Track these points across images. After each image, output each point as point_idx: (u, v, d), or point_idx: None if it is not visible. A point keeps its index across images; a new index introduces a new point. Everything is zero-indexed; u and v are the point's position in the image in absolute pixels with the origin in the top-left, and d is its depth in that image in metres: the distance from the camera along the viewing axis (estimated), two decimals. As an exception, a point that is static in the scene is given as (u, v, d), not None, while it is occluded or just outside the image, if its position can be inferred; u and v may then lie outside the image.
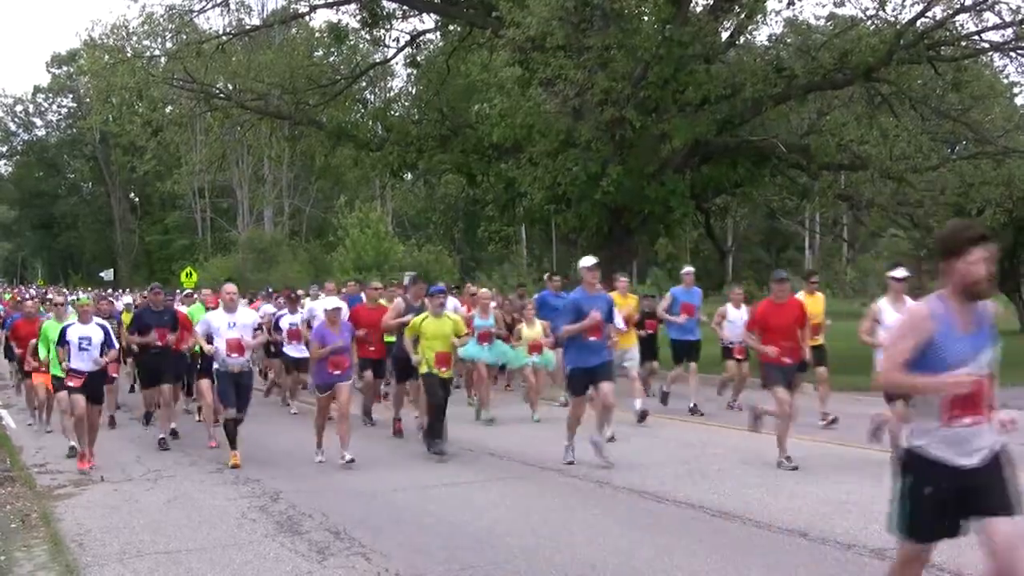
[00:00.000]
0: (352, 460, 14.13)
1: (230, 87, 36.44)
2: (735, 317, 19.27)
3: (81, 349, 14.81)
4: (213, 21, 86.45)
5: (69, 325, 15.07)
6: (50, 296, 26.76)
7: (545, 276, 24.45)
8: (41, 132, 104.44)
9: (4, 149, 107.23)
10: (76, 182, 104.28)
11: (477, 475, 13.39)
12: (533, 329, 19.77)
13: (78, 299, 15.97)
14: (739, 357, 19.62)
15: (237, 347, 14.67)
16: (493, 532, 10.25)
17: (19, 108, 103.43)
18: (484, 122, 33.06)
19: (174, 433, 17.70)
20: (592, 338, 13.64)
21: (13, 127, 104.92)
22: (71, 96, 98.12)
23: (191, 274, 48.95)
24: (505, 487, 12.59)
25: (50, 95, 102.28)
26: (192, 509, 11.79)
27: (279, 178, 75.38)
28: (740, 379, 20.06)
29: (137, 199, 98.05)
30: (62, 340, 14.99)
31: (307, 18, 38.90)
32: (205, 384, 17.09)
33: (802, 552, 9.20)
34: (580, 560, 9.01)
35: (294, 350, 21.06)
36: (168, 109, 37.37)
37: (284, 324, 21.30)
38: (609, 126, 27.75)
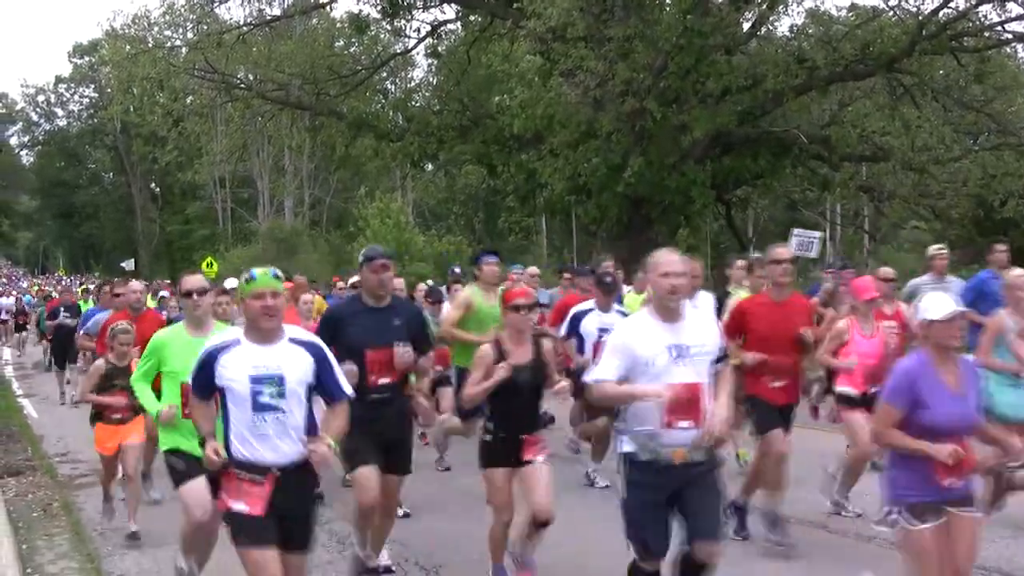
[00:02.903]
0: None
1: (251, 77, 36.52)
2: None
3: (264, 408, 6.07)
4: (234, 11, 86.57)
5: (224, 347, 6.19)
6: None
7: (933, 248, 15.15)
8: (63, 122, 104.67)
9: (26, 139, 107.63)
10: (97, 172, 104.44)
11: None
12: None
13: (251, 279, 6.22)
14: None
15: (688, 405, 6.53)
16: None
17: (41, 98, 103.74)
18: (505, 113, 33.04)
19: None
20: None
21: (35, 117, 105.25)
22: (92, 86, 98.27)
23: (212, 264, 48.99)
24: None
25: (71, 85, 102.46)
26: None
27: (299, 168, 75.37)
28: None
29: (158, 189, 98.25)
30: (205, 384, 6.27)
31: (328, 8, 38.94)
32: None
33: (822, 544, 9.20)
34: (597, 548, 9.00)
35: None
36: (189, 99, 37.48)
37: (590, 329, 11.66)
38: (630, 117, 27.69)
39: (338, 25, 42.06)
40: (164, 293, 20.00)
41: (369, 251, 8.57)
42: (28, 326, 37.51)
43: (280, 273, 6.34)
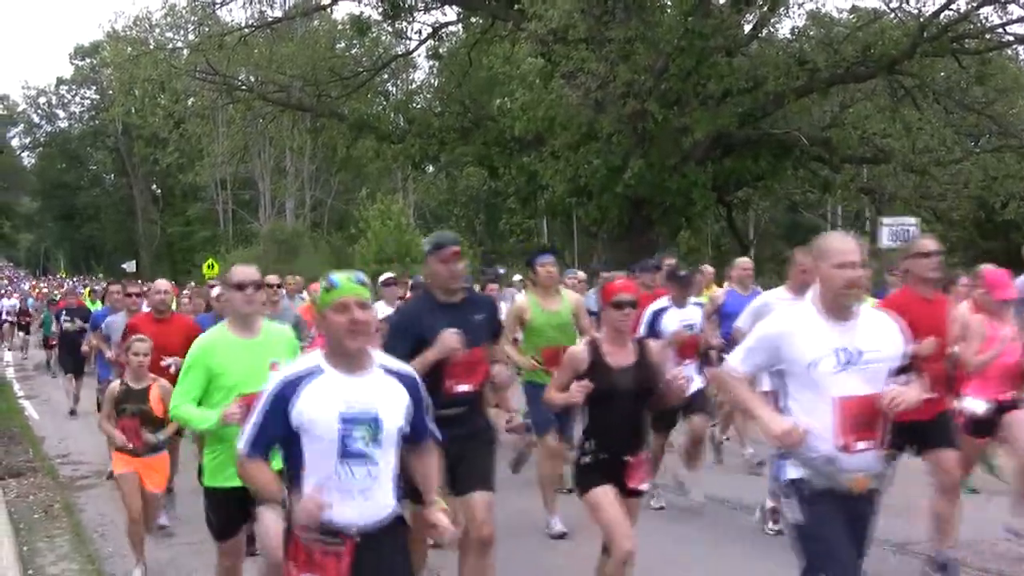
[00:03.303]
0: None
1: (252, 79, 36.54)
2: None
3: (353, 456, 4.70)
4: (235, 13, 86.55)
5: (303, 377, 4.75)
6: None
7: None
8: (64, 124, 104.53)
9: (27, 141, 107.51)
10: (98, 173, 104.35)
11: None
12: None
13: (331, 286, 4.83)
14: None
15: (866, 421, 5.37)
16: (521, 524, 10.21)
17: (42, 100, 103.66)
18: (506, 115, 33.09)
19: None
20: None
21: (36, 119, 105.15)
22: (94, 88, 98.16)
23: (213, 265, 48.95)
24: (529, 480, 12.56)
25: (73, 87, 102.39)
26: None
27: (301, 170, 75.41)
28: None
29: (159, 191, 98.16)
30: (274, 429, 4.75)
31: (329, 10, 38.99)
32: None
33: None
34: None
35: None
36: (190, 101, 37.53)
37: (671, 327, 10.73)
38: (631, 118, 27.70)
39: (339, 27, 42.20)
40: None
41: (438, 238, 7.35)
42: (31, 327, 37.06)
43: (366, 279, 4.98)
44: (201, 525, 9.69)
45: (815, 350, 5.31)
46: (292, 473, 4.78)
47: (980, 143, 34.92)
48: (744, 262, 12.79)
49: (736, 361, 5.65)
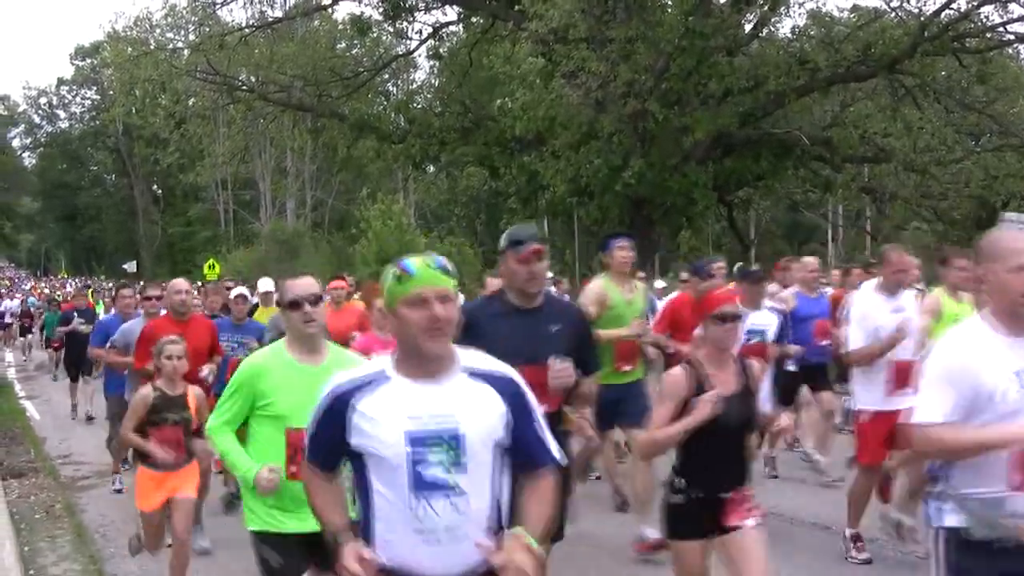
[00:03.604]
0: None
1: (253, 79, 36.54)
2: None
3: (430, 485, 3.64)
4: (236, 13, 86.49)
5: (363, 385, 3.75)
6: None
7: None
8: (64, 124, 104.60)
9: (28, 141, 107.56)
10: (99, 174, 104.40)
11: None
12: None
13: (405, 273, 3.72)
14: None
15: None
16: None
17: (43, 100, 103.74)
18: (506, 115, 33.05)
19: None
20: None
21: (37, 119, 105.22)
22: (95, 88, 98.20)
23: (214, 266, 48.95)
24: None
25: (74, 87, 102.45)
26: (221, 501, 11.53)
27: (301, 170, 75.49)
28: None
29: (160, 191, 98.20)
30: (330, 445, 3.81)
31: (329, 10, 38.99)
32: None
33: (824, 544, 9.20)
34: (608, 549, 9.00)
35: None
36: (191, 101, 37.54)
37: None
38: (631, 118, 27.67)
39: (340, 27, 42.21)
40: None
41: (516, 233, 6.15)
42: (33, 329, 36.83)
43: (449, 265, 3.84)
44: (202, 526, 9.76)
45: (996, 376, 4.31)
46: (363, 510, 3.79)
47: (981, 142, 34.89)
48: (809, 263, 12.09)
49: (930, 413, 4.37)
